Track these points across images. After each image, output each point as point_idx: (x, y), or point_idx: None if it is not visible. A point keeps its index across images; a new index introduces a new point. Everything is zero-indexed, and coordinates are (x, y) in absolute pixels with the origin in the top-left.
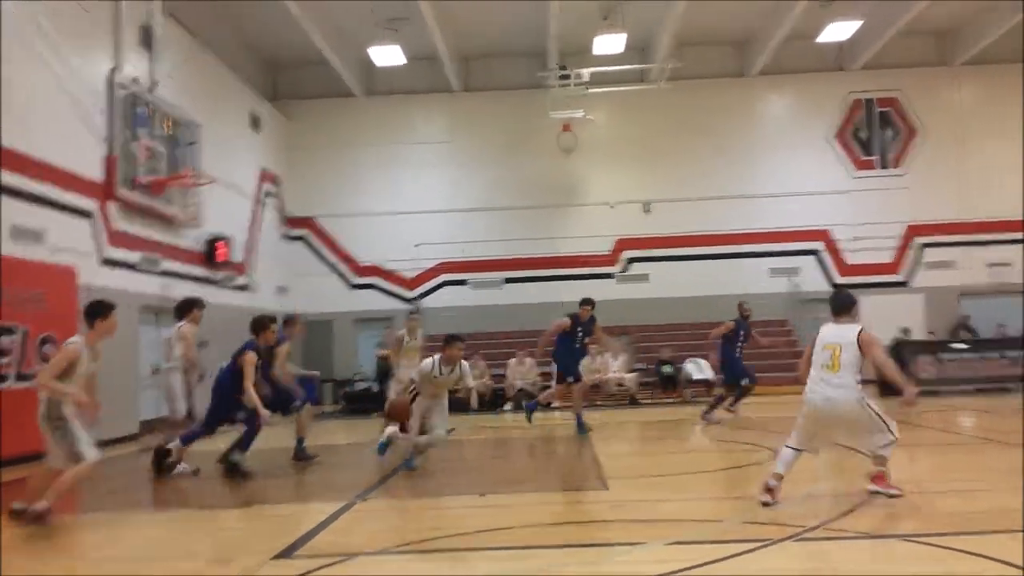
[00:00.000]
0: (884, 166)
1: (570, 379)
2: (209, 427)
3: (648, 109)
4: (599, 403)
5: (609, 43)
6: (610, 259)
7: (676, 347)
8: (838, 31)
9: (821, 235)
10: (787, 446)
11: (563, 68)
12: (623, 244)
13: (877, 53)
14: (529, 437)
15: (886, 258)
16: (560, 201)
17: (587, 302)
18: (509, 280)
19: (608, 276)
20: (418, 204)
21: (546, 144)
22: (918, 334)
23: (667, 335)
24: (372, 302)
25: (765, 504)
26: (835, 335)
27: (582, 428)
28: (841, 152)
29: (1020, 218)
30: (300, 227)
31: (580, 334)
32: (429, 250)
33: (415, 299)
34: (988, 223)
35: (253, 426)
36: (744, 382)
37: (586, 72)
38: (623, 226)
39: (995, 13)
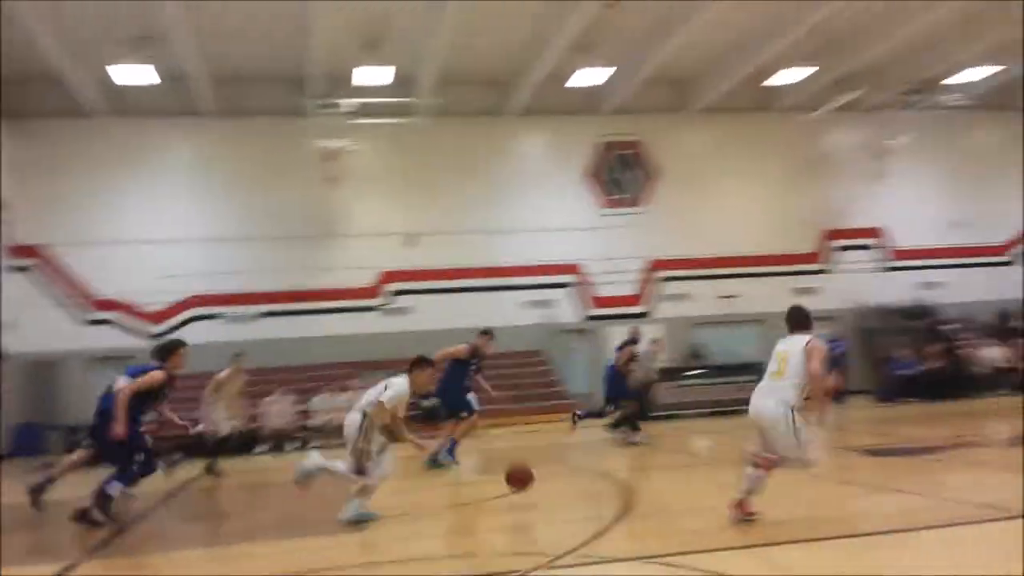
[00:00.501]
0: (629, 204)
1: (463, 413)
2: None
3: (414, 142)
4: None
5: (372, 74)
6: (373, 291)
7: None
8: (589, 76)
9: (573, 269)
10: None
11: (327, 96)
12: (387, 277)
13: (624, 99)
14: (281, 481)
15: (631, 291)
16: (321, 232)
17: (487, 332)
18: (266, 314)
19: (370, 309)
20: (166, 232)
21: (307, 173)
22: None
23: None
24: (110, 339)
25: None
26: (787, 344)
27: (450, 454)
28: (591, 191)
29: (748, 254)
30: (27, 256)
31: (474, 366)
32: (178, 282)
33: (160, 335)
34: (720, 259)
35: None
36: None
37: (351, 102)
38: (387, 258)
39: (727, 65)
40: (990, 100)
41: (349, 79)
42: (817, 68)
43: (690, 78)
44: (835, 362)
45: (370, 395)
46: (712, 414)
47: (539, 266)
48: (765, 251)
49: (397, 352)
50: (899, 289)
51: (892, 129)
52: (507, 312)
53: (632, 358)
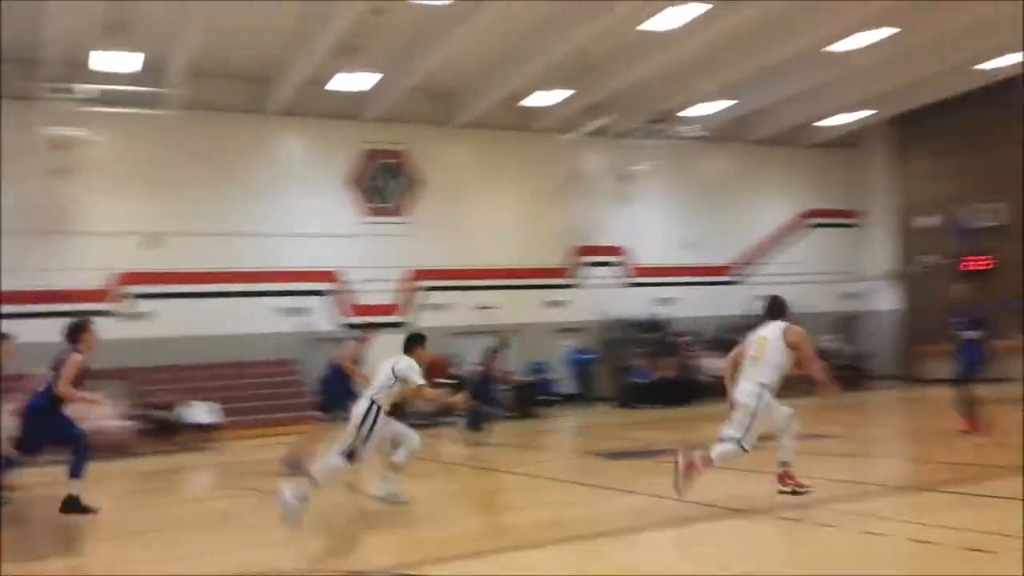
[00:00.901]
0: (391, 213)
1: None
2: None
3: (161, 136)
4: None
5: (116, 60)
6: (106, 295)
7: (182, 390)
8: (354, 81)
9: (331, 276)
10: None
11: (62, 81)
12: (125, 279)
13: (390, 107)
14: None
15: (393, 299)
16: (51, 228)
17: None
18: None
19: (106, 313)
20: None
21: (34, 164)
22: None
23: (172, 376)
24: None
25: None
26: (765, 330)
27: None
28: (353, 197)
29: (505, 266)
30: None
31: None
32: None
33: None
34: (478, 270)
35: None
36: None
37: (87, 88)
38: (127, 259)
39: (487, 82)
40: (721, 132)
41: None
42: (572, 92)
43: (453, 92)
44: (583, 371)
45: (380, 381)
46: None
47: (295, 272)
48: (521, 264)
49: (140, 359)
50: (638, 303)
51: (636, 155)
52: (260, 319)
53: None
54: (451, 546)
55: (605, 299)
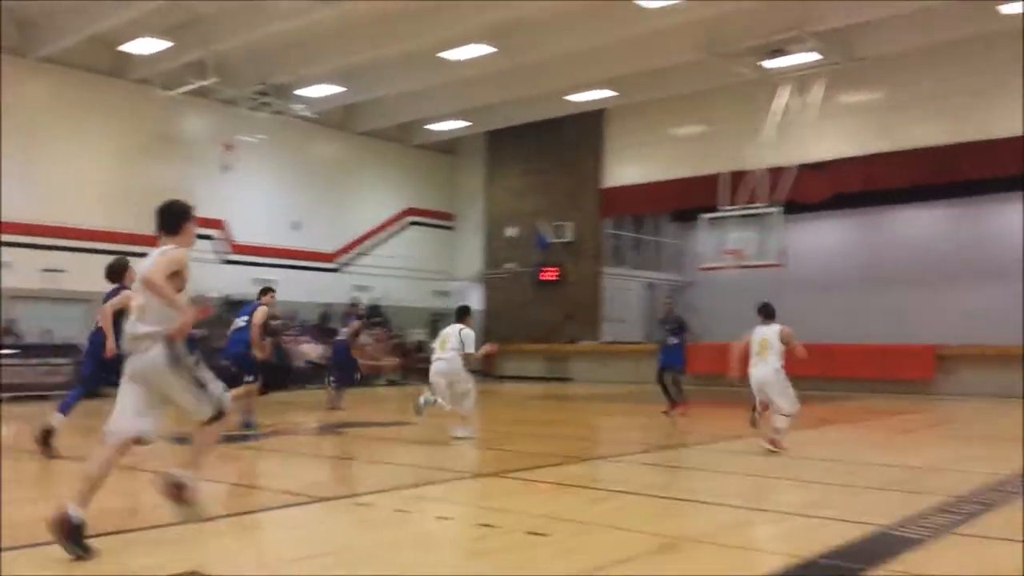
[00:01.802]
0: None
1: (248, 379)
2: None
3: None
4: None
5: None
6: None
7: None
8: None
9: None
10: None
11: None
12: None
13: None
14: None
15: None
16: None
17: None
18: None
19: None
20: None
21: None
22: None
23: None
24: None
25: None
26: (764, 332)
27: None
28: None
29: (80, 226)
30: None
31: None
32: None
33: None
34: (47, 227)
35: None
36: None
37: None
38: None
39: (79, 15)
40: (331, 118)
41: None
42: (172, 45)
43: (36, 19)
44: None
45: (454, 343)
46: (24, 399)
47: None
48: (100, 226)
49: None
50: (235, 282)
51: (242, 125)
52: None
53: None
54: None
55: (201, 275)
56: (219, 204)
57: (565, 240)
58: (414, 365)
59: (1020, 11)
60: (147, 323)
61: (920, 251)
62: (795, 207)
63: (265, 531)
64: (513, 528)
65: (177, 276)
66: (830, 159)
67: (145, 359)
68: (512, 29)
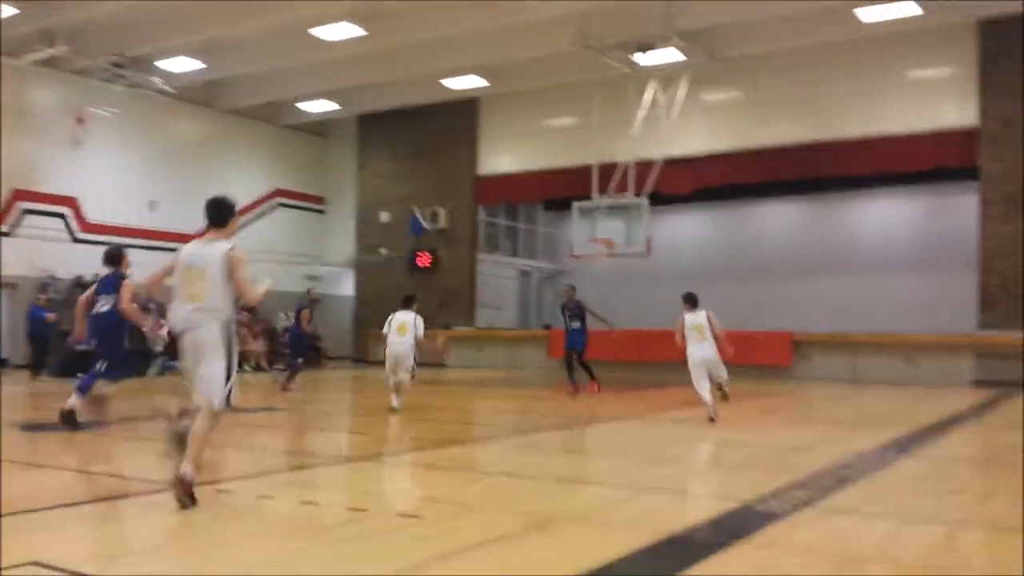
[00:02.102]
0: None
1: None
2: None
3: None
4: None
5: None
6: None
7: None
8: None
9: None
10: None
11: None
12: None
13: None
14: None
15: None
16: None
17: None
18: None
19: None
20: None
21: None
22: None
23: None
24: None
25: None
26: (695, 318)
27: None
28: None
29: None
30: None
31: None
32: None
33: None
34: None
35: None
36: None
37: None
38: None
39: None
40: (193, 94)
41: None
42: (19, 12)
43: None
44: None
45: (414, 328)
46: None
47: None
48: None
49: None
50: (87, 262)
51: (95, 98)
52: None
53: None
54: None
55: (46, 254)
56: (70, 180)
57: (439, 227)
58: (282, 351)
59: (877, 18)
60: (208, 304)
61: (778, 244)
62: (661, 199)
63: (116, 520)
64: (383, 511)
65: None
66: (694, 154)
67: (199, 334)
68: (384, 10)
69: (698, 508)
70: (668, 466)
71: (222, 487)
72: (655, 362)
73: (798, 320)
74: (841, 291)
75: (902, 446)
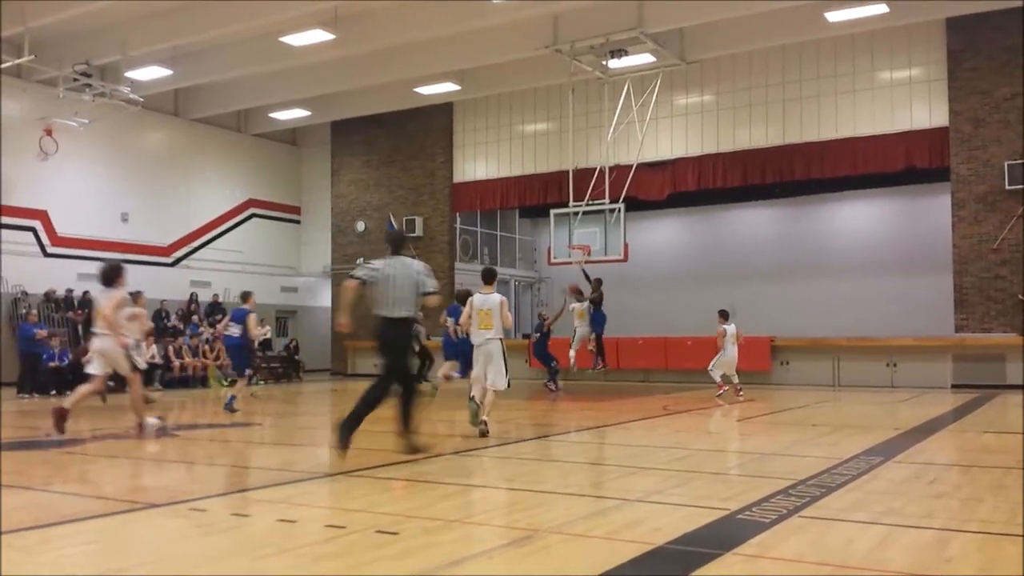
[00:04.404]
0: None
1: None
2: None
3: None
4: None
5: None
6: None
7: None
8: None
9: None
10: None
11: None
12: None
13: None
14: None
15: None
16: None
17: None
18: None
19: None
20: None
21: None
22: None
23: None
24: None
25: None
26: (730, 328)
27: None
28: None
29: None
30: None
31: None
32: None
33: None
34: None
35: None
36: None
37: None
38: None
39: None
40: (161, 103)
41: None
42: None
43: None
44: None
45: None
46: None
47: None
48: None
49: None
50: (58, 277)
51: (62, 108)
52: None
53: None
54: None
55: (16, 270)
56: (40, 194)
57: (415, 235)
58: (258, 364)
59: (845, 18)
60: (495, 329)
61: (754, 248)
62: (637, 204)
63: (85, 542)
64: (361, 528)
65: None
66: (668, 159)
67: (489, 347)
68: (354, 17)
69: (683, 518)
70: (650, 475)
71: (197, 505)
72: (635, 369)
73: (774, 324)
74: (818, 294)
75: (886, 451)
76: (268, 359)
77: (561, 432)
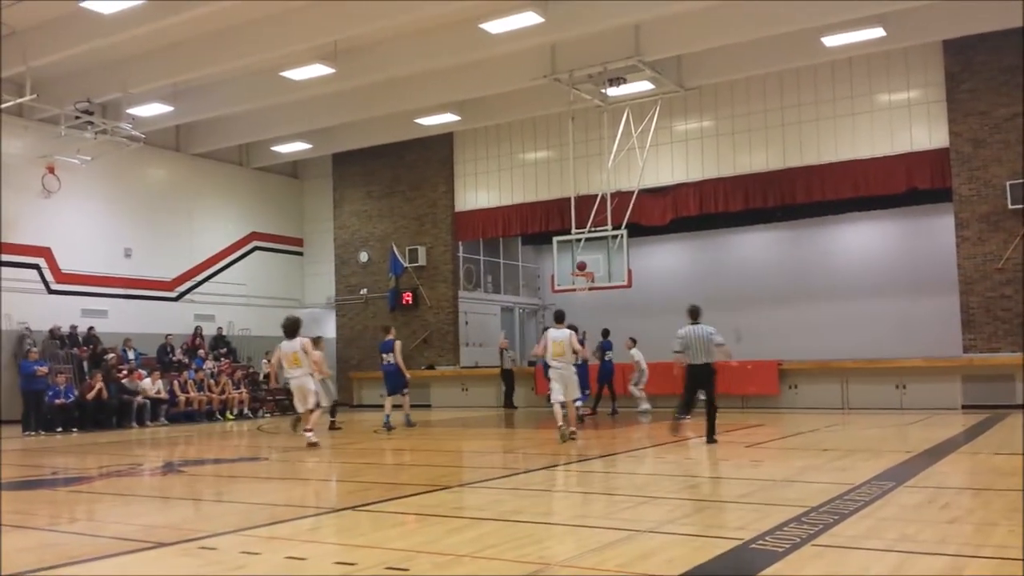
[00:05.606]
0: None
1: None
2: None
3: None
4: None
5: None
6: None
7: None
8: None
9: None
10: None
11: None
12: None
13: None
14: None
15: None
16: None
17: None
18: None
19: None
20: None
21: None
22: None
23: None
24: None
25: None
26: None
27: None
28: None
29: None
30: None
31: None
32: None
33: None
34: None
35: None
36: None
37: None
38: None
39: None
40: (163, 139)
41: None
42: None
43: None
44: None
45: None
46: None
47: None
48: None
49: None
50: (61, 314)
51: (65, 146)
52: None
53: None
54: None
55: (22, 307)
56: (43, 231)
57: (418, 264)
58: (264, 397)
59: (843, 42)
60: (566, 358)
61: (758, 271)
62: (639, 230)
63: None
64: (371, 564)
65: None
66: (669, 184)
67: (566, 372)
68: (353, 50)
69: (696, 549)
70: (661, 504)
71: (206, 543)
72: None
73: (781, 348)
74: (824, 317)
75: (898, 475)
76: (273, 391)
77: (570, 462)
